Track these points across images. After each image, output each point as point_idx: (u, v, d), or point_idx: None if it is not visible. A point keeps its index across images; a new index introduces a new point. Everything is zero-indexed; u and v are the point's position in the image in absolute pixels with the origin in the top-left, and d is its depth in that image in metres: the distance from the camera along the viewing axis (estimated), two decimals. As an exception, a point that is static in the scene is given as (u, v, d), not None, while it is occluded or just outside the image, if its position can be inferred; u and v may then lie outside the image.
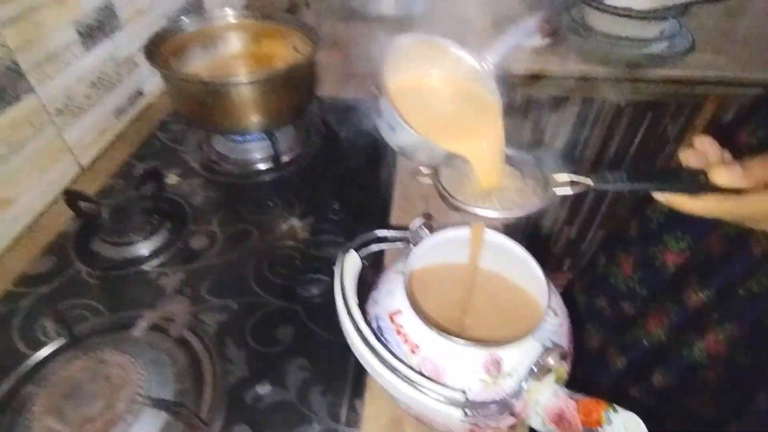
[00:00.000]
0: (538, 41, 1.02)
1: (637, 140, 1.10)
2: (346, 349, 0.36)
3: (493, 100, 0.38)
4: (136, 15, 0.76)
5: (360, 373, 0.43)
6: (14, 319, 0.47)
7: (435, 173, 0.37)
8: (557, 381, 0.36)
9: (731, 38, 1.06)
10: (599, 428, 0.32)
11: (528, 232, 1.35)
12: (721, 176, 0.28)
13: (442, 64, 0.40)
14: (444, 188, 0.36)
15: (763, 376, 0.52)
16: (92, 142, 0.70)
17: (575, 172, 0.34)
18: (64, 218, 0.59)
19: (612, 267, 0.73)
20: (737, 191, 0.29)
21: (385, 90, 0.35)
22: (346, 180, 0.66)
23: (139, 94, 0.80)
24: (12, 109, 0.56)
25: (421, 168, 0.37)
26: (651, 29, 0.97)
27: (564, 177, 0.34)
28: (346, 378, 0.43)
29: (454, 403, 0.31)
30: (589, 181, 0.33)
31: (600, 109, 1.06)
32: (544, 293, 0.38)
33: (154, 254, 0.54)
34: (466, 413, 0.31)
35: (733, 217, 0.30)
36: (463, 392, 0.32)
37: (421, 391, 0.32)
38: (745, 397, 0.54)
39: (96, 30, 0.68)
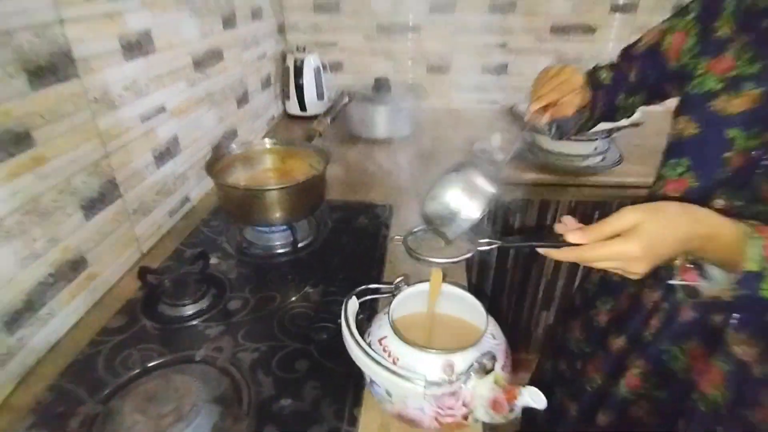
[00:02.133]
0: (500, 157, 1.30)
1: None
2: (347, 374, 0.52)
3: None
4: (192, 142, 1.03)
5: (358, 391, 0.58)
6: (99, 358, 0.63)
7: (404, 239, 0.57)
8: (496, 382, 0.52)
9: (651, 151, 1.34)
10: (516, 401, 0.47)
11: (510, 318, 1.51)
12: (570, 237, 0.48)
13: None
14: (409, 248, 0.56)
15: (679, 405, 0.66)
16: (152, 234, 0.91)
17: (495, 238, 0.54)
18: (131, 288, 0.77)
19: (566, 334, 0.88)
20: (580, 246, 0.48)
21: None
22: (348, 258, 0.85)
23: (187, 199, 1.04)
24: (106, 209, 0.77)
25: (396, 236, 0.58)
26: (586, 147, 1.24)
27: (485, 239, 0.54)
28: (347, 394, 0.58)
29: (418, 380, 0.47)
30: (498, 242, 0.53)
31: (555, 208, 1.30)
32: (484, 322, 0.56)
33: (202, 313, 0.72)
34: (425, 387, 0.47)
35: (579, 260, 0.49)
36: (424, 376, 0.48)
37: (399, 375, 0.48)
38: (669, 427, 0.67)
39: (165, 155, 0.93)
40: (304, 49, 1.56)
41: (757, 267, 0.45)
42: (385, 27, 1.64)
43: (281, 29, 1.64)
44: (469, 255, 0.54)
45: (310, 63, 1.54)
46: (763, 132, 0.53)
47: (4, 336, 0.59)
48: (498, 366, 0.53)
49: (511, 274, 1.44)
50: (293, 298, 0.75)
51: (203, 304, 0.73)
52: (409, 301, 0.62)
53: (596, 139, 1.24)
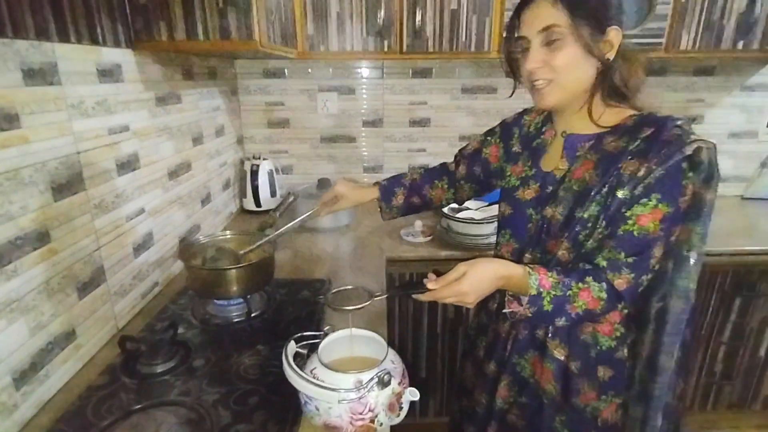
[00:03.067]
0: (421, 239, 1.60)
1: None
2: (287, 404, 0.73)
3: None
4: (163, 236, 1.25)
5: (296, 415, 0.78)
6: (88, 407, 0.79)
7: (326, 297, 0.81)
8: (392, 392, 0.73)
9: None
10: (402, 399, 0.69)
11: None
12: (429, 285, 0.75)
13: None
14: (328, 302, 0.80)
15: (535, 404, 0.89)
16: (128, 312, 1.09)
17: (386, 292, 0.80)
18: (110, 355, 0.94)
19: (463, 374, 1.10)
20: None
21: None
22: (293, 322, 1.07)
23: (156, 283, 1.23)
24: (94, 291, 0.96)
25: (320, 297, 0.82)
26: (486, 228, 1.56)
27: (379, 293, 0.79)
28: (288, 417, 0.77)
29: (337, 390, 0.69)
30: (384, 294, 0.78)
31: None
32: (384, 351, 0.78)
33: (172, 369, 0.90)
34: (342, 394, 0.68)
35: (434, 299, 0.75)
36: (341, 388, 0.69)
37: (323, 387, 0.69)
38: (534, 424, 0.90)
39: (142, 247, 1.15)
40: (259, 157, 1.88)
41: (535, 291, 0.74)
42: (327, 137, 2.01)
43: (240, 141, 1.96)
44: (368, 303, 0.79)
45: (265, 167, 1.85)
46: (542, 210, 0.85)
47: (12, 391, 0.75)
48: (395, 381, 0.75)
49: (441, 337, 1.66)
50: (247, 355, 0.95)
51: (173, 362, 0.91)
52: (336, 344, 0.84)
53: (494, 221, 1.57)
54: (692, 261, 0.77)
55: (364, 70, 1.92)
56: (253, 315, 1.08)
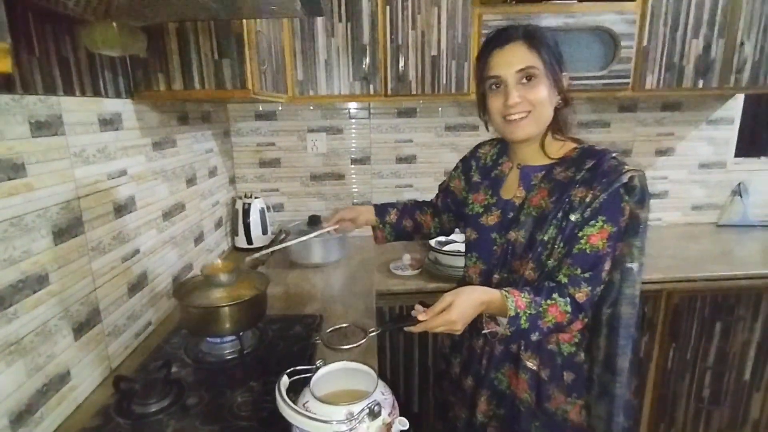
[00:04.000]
0: (409, 272, 1.64)
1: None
2: None
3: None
4: (157, 276, 1.28)
5: (289, 449, 0.79)
6: (82, 449, 0.80)
7: (321, 335, 0.85)
8: (383, 423, 0.76)
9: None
10: (393, 427, 0.72)
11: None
12: (419, 317, 0.79)
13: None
14: (324, 341, 0.83)
15: (510, 414, 0.95)
16: (121, 353, 1.10)
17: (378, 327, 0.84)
18: (104, 396, 0.95)
19: (440, 393, 1.14)
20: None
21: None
22: (285, 358, 1.09)
23: (150, 323, 1.25)
24: (88, 333, 0.98)
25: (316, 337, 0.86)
26: (473, 260, 1.61)
27: (372, 329, 0.83)
28: (281, 451, 0.79)
29: (330, 422, 0.71)
30: (378, 329, 0.82)
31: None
32: (374, 383, 0.81)
33: (166, 408, 0.91)
34: (335, 426, 0.71)
35: (425, 329, 0.80)
36: (334, 420, 0.72)
37: (317, 419, 0.71)
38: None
39: (136, 287, 1.17)
40: (251, 195, 1.93)
41: (513, 312, 0.82)
42: (317, 176, 2.07)
43: (232, 180, 2.01)
44: (363, 341, 0.83)
45: (256, 206, 1.90)
46: (506, 234, 0.94)
47: (8, 433, 0.76)
48: (385, 412, 0.78)
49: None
50: (240, 392, 0.96)
51: (166, 401, 0.92)
52: (328, 377, 0.87)
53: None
54: (635, 271, 0.88)
55: (352, 111, 2.02)
56: (245, 352, 1.10)
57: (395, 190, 2.11)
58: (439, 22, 1.61)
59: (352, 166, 2.08)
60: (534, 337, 0.85)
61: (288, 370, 0.85)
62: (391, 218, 1.21)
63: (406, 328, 0.82)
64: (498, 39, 0.89)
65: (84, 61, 0.97)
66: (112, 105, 1.06)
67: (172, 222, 1.37)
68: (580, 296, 0.85)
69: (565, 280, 0.85)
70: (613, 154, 0.88)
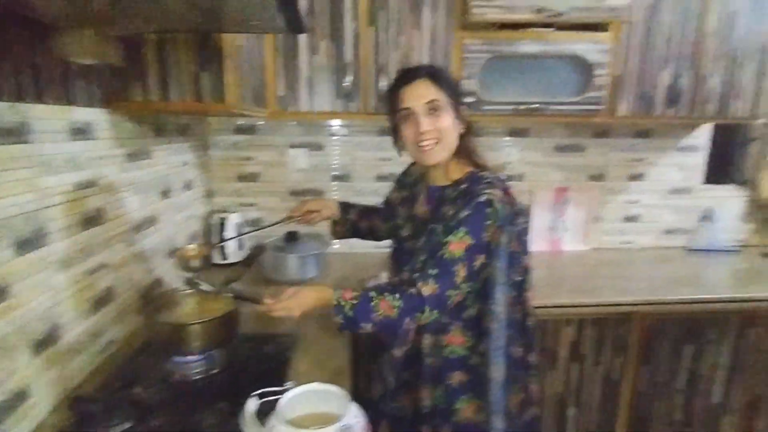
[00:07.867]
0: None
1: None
2: None
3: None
4: (124, 291, 1.23)
5: (255, 475, 0.76)
6: (32, 475, 0.75)
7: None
8: (354, 447, 0.74)
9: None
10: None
11: None
12: (265, 300, 0.93)
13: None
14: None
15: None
16: (82, 370, 1.05)
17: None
18: (62, 417, 0.90)
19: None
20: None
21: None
22: (257, 378, 1.05)
23: (113, 341, 1.19)
24: (50, 348, 0.93)
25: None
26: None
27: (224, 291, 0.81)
28: (247, 477, 0.75)
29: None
30: (233, 294, 0.80)
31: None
32: (345, 407, 0.79)
33: (131, 429, 0.86)
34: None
35: (268, 311, 0.96)
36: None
37: (280, 444, 0.69)
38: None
39: (100, 303, 1.13)
40: (228, 210, 1.89)
41: (336, 302, 0.95)
42: (296, 191, 2.06)
43: (209, 194, 1.98)
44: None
45: (232, 220, 1.86)
46: (415, 244, 1.06)
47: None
48: (356, 435, 0.76)
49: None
50: (208, 413, 0.92)
51: (128, 424, 0.88)
52: (300, 399, 0.84)
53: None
54: (498, 291, 0.99)
55: (334, 128, 2.02)
56: (215, 371, 1.07)
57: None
58: (421, 45, 1.64)
59: (334, 182, 2.07)
60: (366, 327, 0.94)
61: (257, 392, 0.82)
62: (352, 217, 1.36)
63: (253, 304, 1.01)
64: (406, 77, 1.02)
65: (57, 68, 0.94)
66: (84, 114, 1.04)
67: (143, 235, 1.33)
68: (426, 289, 0.93)
69: (416, 275, 0.95)
70: (487, 180, 0.99)
